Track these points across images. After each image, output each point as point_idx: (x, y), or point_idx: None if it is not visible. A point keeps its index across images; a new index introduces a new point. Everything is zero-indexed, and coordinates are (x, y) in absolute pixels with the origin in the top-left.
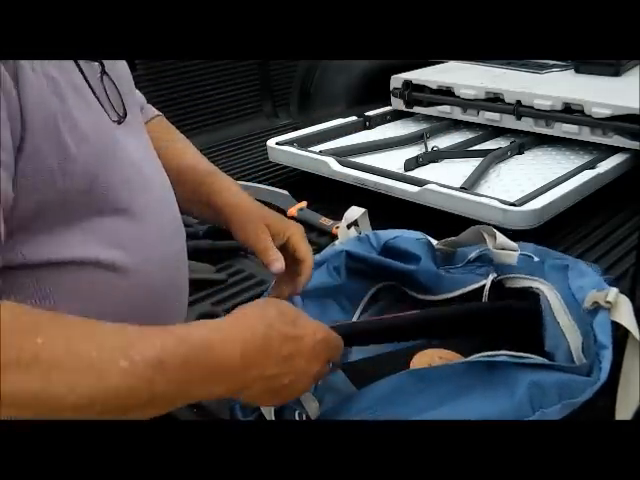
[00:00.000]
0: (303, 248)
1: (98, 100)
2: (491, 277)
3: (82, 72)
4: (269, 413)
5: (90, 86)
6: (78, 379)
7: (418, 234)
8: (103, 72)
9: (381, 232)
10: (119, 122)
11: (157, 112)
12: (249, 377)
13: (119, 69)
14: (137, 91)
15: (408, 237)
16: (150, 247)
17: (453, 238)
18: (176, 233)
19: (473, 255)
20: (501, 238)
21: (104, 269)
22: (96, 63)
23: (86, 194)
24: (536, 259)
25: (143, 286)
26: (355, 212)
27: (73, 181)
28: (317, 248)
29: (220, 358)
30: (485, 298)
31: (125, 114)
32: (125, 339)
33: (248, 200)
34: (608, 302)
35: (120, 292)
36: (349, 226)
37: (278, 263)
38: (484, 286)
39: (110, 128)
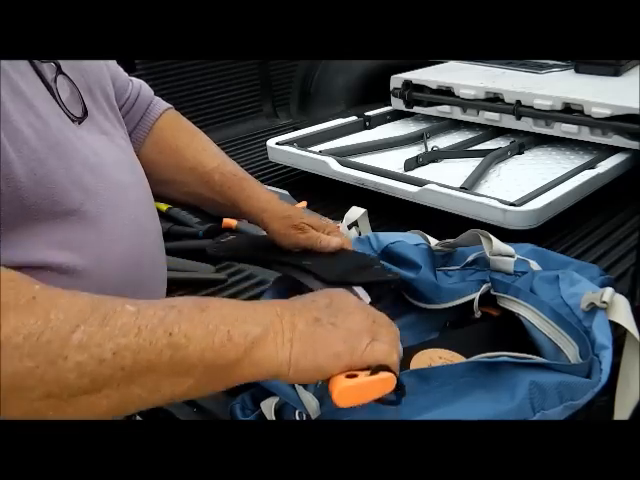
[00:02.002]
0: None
1: (56, 100)
2: (479, 293)
3: (40, 75)
4: (269, 413)
5: (48, 87)
6: (83, 318)
7: (418, 238)
8: (59, 72)
9: (381, 234)
10: (79, 121)
11: (166, 105)
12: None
13: (85, 65)
14: (144, 84)
15: (408, 243)
16: (106, 248)
17: (452, 240)
18: (140, 231)
19: (470, 258)
20: (497, 243)
21: (55, 272)
22: (52, 63)
23: (30, 197)
24: (532, 263)
25: (99, 288)
26: (355, 212)
27: (14, 184)
28: None
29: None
30: (476, 309)
31: (85, 113)
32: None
33: (282, 205)
34: (604, 302)
35: None
36: (350, 226)
37: (334, 241)
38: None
39: (61, 129)
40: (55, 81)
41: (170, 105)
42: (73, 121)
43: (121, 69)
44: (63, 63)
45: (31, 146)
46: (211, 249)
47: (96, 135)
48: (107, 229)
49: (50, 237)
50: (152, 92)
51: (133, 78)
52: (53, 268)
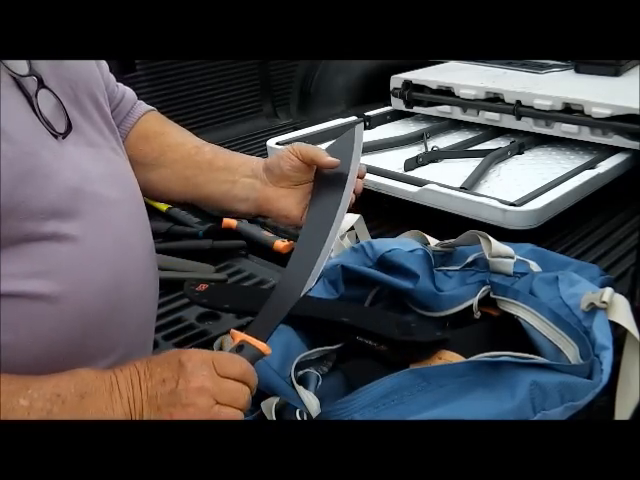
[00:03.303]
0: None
1: (37, 116)
2: (477, 297)
3: (23, 90)
4: (270, 413)
5: (30, 101)
6: None
7: (414, 243)
8: (41, 86)
9: (376, 242)
10: (63, 136)
11: (151, 107)
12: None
13: (74, 73)
14: (128, 89)
15: (404, 250)
16: (86, 270)
17: (451, 240)
18: (126, 250)
19: (470, 259)
20: (496, 245)
21: (28, 299)
22: (34, 77)
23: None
24: (532, 264)
25: (80, 312)
26: (349, 220)
27: None
28: None
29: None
30: (475, 311)
31: (69, 127)
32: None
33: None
34: (604, 302)
35: (52, 321)
36: (342, 236)
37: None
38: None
39: (37, 153)
40: (36, 95)
41: (154, 108)
42: (56, 137)
43: (112, 75)
44: (48, 75)
45: (1, 178)
46: (192, 295)
47: (83, 148)
48: (88, 251)
49: (21, 264)
50: (136, 97)
51: (119, 84)
52: (26, 296)
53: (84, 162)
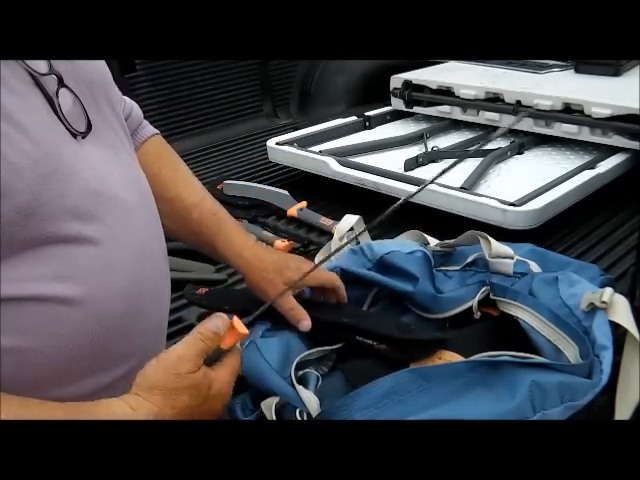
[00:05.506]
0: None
1: (58, 116)
2: (477, 298)
3: (42, 89)
4: (269, 413)
5: (50, 101)
6: None
7: (413, 244)
8: (61, 85)
9: (375, 244)
10: (83, 136)
11: (154, 130)
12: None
13: (90, 75)
14: (135, 106)
15: (403, 252)
16: (107, 274)
17: (451, 241)
18: (144, 255)
19: (470, 259)
20: (496, 245)
21: (50, 303)
22: (54, 75)
23: (21, 231)
24: (532, 264)
25: (98, 317)
26: (349, 221)
27: (5, 219)
28: (317, 248)
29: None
30: (475, 311)
31: (89, 126)
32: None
33: (260, 252)
34: (603, 302)
35: (75, 325)
36: (342, 237)
37: (306, 322)
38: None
39: (59, 153)
40: (57, 95)
41: (157, 131)
42: (75, 136)
43: (116, 86)
44: (66, 76)
45: (25, 178)
46: (192, 298)
47: (101, 149)
48: (109, 254)
49: (43, 267)
50: (142, 115)
51: (126, 98)
52: (48, 299)
53: (103, 163)
